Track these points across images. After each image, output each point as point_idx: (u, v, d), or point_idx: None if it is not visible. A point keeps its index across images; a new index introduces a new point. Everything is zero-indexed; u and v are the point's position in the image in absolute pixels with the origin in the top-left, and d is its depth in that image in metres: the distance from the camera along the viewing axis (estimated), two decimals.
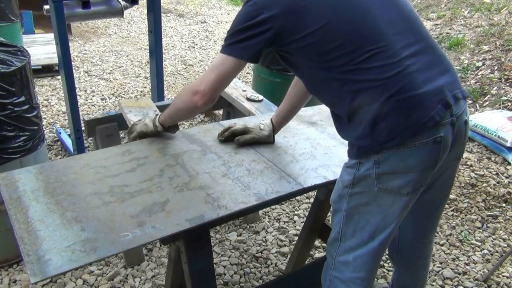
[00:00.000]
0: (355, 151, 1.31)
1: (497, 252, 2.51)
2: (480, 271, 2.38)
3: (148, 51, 3.04)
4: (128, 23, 6.49)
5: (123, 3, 2.90)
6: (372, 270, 1.43)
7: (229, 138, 1.73)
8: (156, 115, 1.69)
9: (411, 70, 1.22)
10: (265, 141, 1.75)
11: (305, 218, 2.20)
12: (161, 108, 2.26)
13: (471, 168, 3.26)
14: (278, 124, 1.76)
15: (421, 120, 1.20)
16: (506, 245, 2.56)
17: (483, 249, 2.53)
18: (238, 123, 1.83)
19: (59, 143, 3.34)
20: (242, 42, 1.32)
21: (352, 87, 1.24)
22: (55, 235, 1.18)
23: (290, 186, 1.50)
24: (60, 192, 1.35)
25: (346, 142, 1.86)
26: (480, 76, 4.38)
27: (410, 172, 1.26)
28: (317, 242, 2.44)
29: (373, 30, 1.24)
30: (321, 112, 2.09)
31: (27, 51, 2.19)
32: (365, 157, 1.28)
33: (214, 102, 1.43)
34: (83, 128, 2.67)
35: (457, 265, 2.40)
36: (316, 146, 1.78)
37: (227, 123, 1.88)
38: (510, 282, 2.32)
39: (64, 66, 2.60)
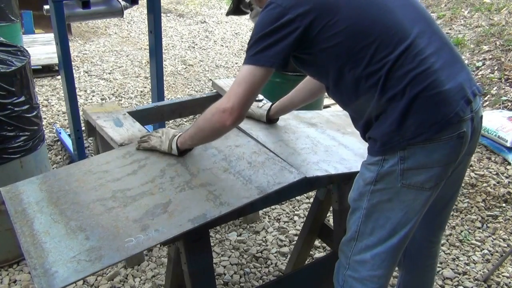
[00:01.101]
0: (380, 148, 1.30)
1: (497, 252, 2.52)
2: (480, 271, 2.38)
3: (148, 51, 3.04)
4: (128, 23, 6.49)
5: (123, 3, 2.90)
6: (391, 268, 1.43)
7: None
8: (174, 135, 1.56)
9: (436, 67, 1.25)
10: (256, 118, 1.82)
11: (305, 218, 2.21)
12: (140, 113, 2.26)
13: (471, 168, 3.26)
14: (276, 109, 1.80)
15: (447, 116, 1.24)
16: (506, 245, 2.56)
17: (483, 249, 2.53)
18: None
19: (59, 143, 3.34)
20: (270, 48, 1.26)
21: (382, 85, 1.25)
22: (60, 246, 1.18)
23: (292, 176, 1.49)
24: (64, 201, 1.35)
25: (346, 143, 1.87)
26: (480, 76, 4.38)
27: (434, 167, 1.29)
28: (317, 242, 2.44)
29: (400, 28, 1.26)
30: (320, 116, 2.09)
31: (27, 51, 2.19)
32: (390, 153, 1.29)
33: (243, 120, 1.35)
34: (83, 128, 2.68)
35: (457, 265, 2.40)
36: (317, 143, 1.78)
37: None
38: (510, 282, 2.32)
39: (64, 66, 2.60)
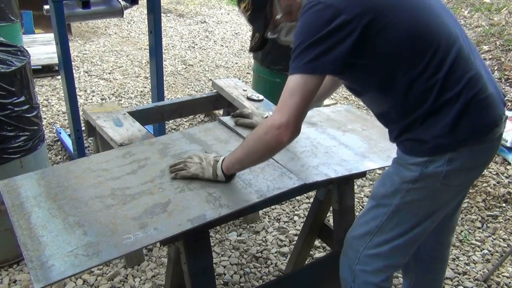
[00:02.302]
0: (429, 149, 1.28)
1: (497, 252, 2.52)
2: (480, 271, 2.38)
3: (148, 51, 3.04)
4: (128, 23, 6.49)
5: (123, 3, 2.90)
6: (405, 257, 1.44)
7: (239, 119, 1.84)
8: (216, 160, 1.44)
9: (481, 71, 1.29)
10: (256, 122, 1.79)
11: (305, 218, 2.21)
12: (140, 113, 2.23)
13: None
14: None
15: (495, 119, 1.29)
16: (506, 245, 2.56)
17: (483, 249, 2.53)
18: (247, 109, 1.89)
19: (59, 143, 3.34)
20: (326, 54, 1.16)
21: (438, 88, 1.24)
22: (58, 240, 1.18)
23: (291, 182, 1.50)
24: (62, 197, 1.35)
25: (347, 142, 1.86)
26: None
27: (475, 168, 1.34)
28: (317, 242, 2.44)
29: (449, 32, 1.27)
30: (320, 114, 2.09)
31: (27, 51, 2.19)
32: (439, 154, 1.28)
33: (299, 133, 1.25)
34: (83, 128, 2.68)
35: (457, 265, 2.40)
36: (317, 145, 1.78)
37: (227, 119, 1.88)
38: (510, 282, 2.32)
39: (64, 66, 2.60)
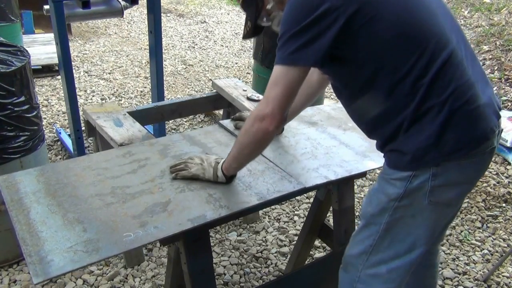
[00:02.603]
0: (411, 163, 1.21)
1: (497, 252, 2.52)
2: (480, 271, 2.38)
3: (148, 51, 3.04)
4: (128, 23, 6.49)
5: (123, 3, 2.90)
6: (404, 281, 1.38)
7: (239, 122, 1.80)
8: (217, 162, 1.45)
9: (473, 80, 1.19)
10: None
11: (305, 218, 2.21)
12: (140, 113, 2.23)
13: None
14: None
15: (484, 132, 1.20)
16: (506, 245, 2.56)
17: (483, 249, 2.53)
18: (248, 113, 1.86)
19: (59, 143, 3.34)
20: (308, 44, 1.13)
21: (423, 93, 1.16)
22: (57, 236, 1.18)
23: (291, 186, 1.50)
24: (62, 193, 1.35)
25: (347, 141, 1.86)
26: None
27: (464, 183, 1.25)
28: (317, 242, 2.44)
29: (443, 34, 1.18)
30: (321, 112, 2.10)
31: (27, 51, 2.19)
32: (422, 169, 1.21)
33: (286, 122, 1.26)
34: (83, 128, 2.68)
35: (457, 265, 2.40)
36: (317, 146, 1.78)
37: (228, 122, 1.88)
38: (510, 282, 2.32)
39: (64, 66, 2.60)
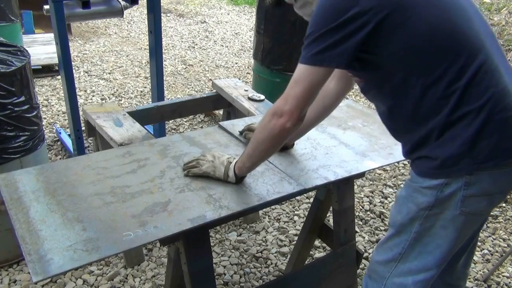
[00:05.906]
0: (443, 170, 1.18)
1: (497, 252, 2.52)
2: (480, 271, 2.38)
3: (148, 51, 3.04)
4: (128, 23, 6.49)
5: (123, 3, 2.90)
6: None
7: (247, 133, 1.72)
8: (230, 161, 1.43)
9: (509, 88, 1.16)
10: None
11: (305, 218, 2.21)
12: (140, 113, 2.22)
13: None
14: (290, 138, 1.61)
15: None
16: (506, 245, 2.56)
17: (483, 249, 2.53)
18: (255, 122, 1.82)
19: (59, 143, 3.34)
20: (335, 46, 1.12)
21: (457, 97, 1.13)
22: (57, 235, 1.18)
23: (291, 187, 1.50)
24: (61, 192, 1.35)
25: (347, 141, 1.86)
26: None
27: (497, 194, 1.22)
28: (317, 242, 2.44)
29: (478, 38, 1.15)
30: None
31: (27, 51, 2.19)
32: (454, 177, 1.17)
33: (303, 122, 1.24)
34: (83, 128, 2.68)
35: None
36: (317, 146, 1.78)
37: (228, 123, 1.88)
38: (510, 282, 2.32)
39: (64, 66, 2.60)
